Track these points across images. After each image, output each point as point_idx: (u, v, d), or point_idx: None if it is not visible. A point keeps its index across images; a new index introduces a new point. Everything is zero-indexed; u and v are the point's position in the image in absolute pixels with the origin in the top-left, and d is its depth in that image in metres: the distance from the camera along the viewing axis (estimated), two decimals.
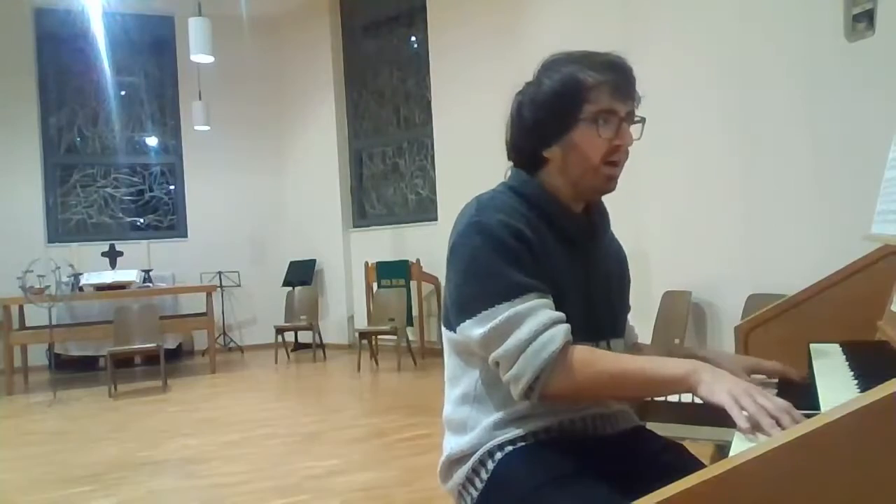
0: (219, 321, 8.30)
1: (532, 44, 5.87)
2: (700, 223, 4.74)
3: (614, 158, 1.27)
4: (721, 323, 4.62)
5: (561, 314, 1.21)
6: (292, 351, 8.25)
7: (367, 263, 7.76)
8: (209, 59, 6.39)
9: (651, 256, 5.02)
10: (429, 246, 7.06)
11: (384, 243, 7.97)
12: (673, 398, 1.48)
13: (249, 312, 8.90)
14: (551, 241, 1.28)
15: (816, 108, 3.96)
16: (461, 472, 1.29)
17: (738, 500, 0.83)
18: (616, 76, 1.25)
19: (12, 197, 7.95)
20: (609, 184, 1.30)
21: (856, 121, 3.70)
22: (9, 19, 7.92)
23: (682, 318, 4.61)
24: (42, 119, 8.27)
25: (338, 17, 8.63)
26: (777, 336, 1.38)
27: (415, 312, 7.30)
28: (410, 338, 7.20)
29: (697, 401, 1.12)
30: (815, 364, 1.30)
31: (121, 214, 8.71)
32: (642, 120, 1.30)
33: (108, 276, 7.37)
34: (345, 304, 8.51)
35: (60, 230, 8.38)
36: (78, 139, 8.57)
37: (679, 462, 1.25)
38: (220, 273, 8.41)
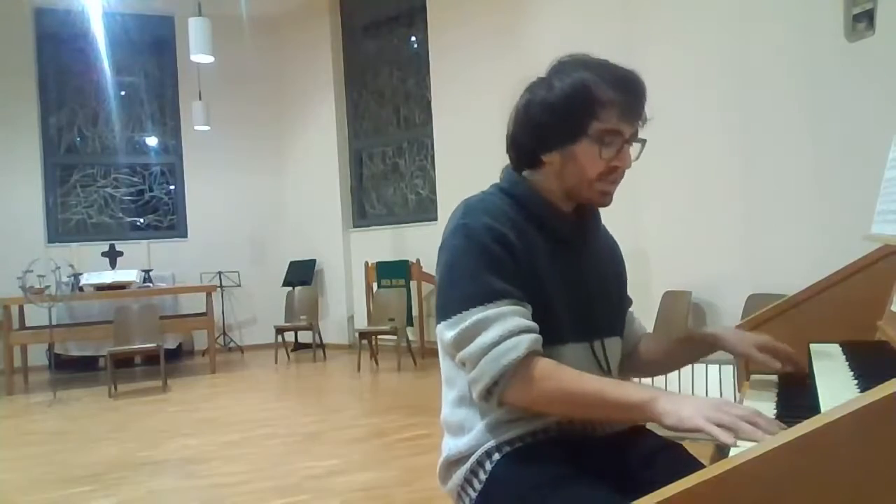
0: (219, 321, 8.30)
1: (532, 44, 5.88)
2: (700, 223, 4.74)
3: (611, 178, 1.27)
4: (721, 323, 4.62)
5: (532, 323, 1.20)
6: (292, 351, 8.25)
7: (367, 263, 7.76)
8: (209, 59, 6.39)
9: (651, 256, 5.02)
10: (429, 246, 7.04)
11: (384, 243, 7.97)
12: None
13: (249, 312, 8.90)
14: (541, 242, 1.27)
15: (816, 108, 3.96)
16: (460, 474, 1.29)
17: (738, 500, 0.83)
18: (628, 97, 1.23)
19: (12, 197, 7.96)
20: (603, 199, 1.30)
21: (856, 121, 3.70)
22: (9, 19, 7.92)
23: (682, 318, 4.61)
24: (42, 119, 8.27)
25: (338, 17, 8.63)
26: (777, 336, 1.38)
27: (415, 312, 7.30)
28: (410, 338, 7.20)
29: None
30: (815, 364, 1.30)
31: (121, 214, 8.71)
32: (643, 142, 1.29)
33: (108, 276, 7.37)
34: (345, 304, 8.51)
35: (60, 230, 8.38)
36: (78, 139, 8.57)
37: (678, 462, 1.25)
38: (220, 273, 8.41)
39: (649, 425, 1.40)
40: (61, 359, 7.41)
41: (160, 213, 8.87)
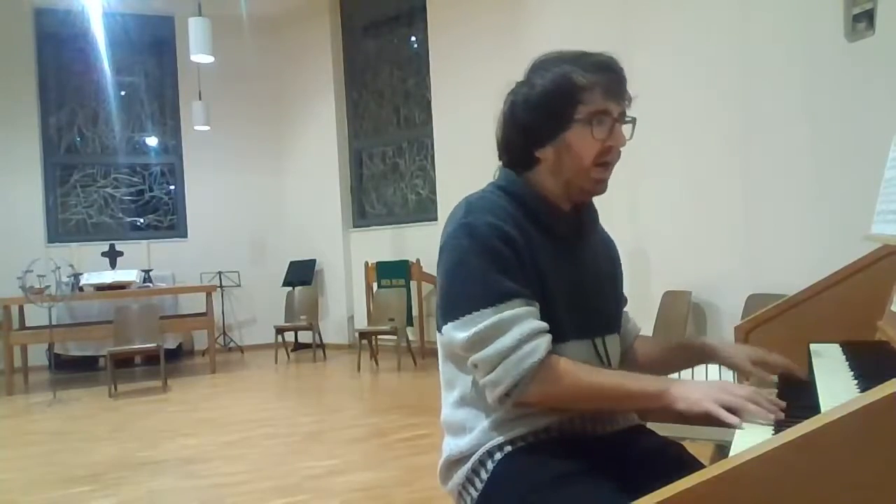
0: (219, 321, 8.30)
1: (532, 44, 5.85)
2: (700, 223, 4.73)
3: (606, 159, 1.27)
4: (721, 323, 4.62)
5: (544, 324, 1.21)
6: (292, 351, 8.25)
7: (367, 263, 7.76)
8: (209, 59, 6.39)
9: (651, 256, 5.02)
10: (429, 246, 7.05)
11: (384, 243, 7.97)
12: None
13: (249, 312, 8.90)
14: (539, 240, 1.28)
15: (816, 108, 3.96)
16: (461, 473, 1.29)
17: (738, 500, 0.83)
18: (608, 77, 1.25)
19: (12, 197, 7.96)
20: (598, 186, 1.30)
21: (856, 121, 3.70)
22: (9, 19, 7.92)
23: (682, 318, 4.61)
24: (42, 119, 8.27)
25: (338, 17, 8.63)
26: (777, 336, 1.38)
27: (415, 312, 7.30)
28: (410, 338, 7.20)
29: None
30: (815, 364, 1.30)
31: (121, 214, 8.71)
32: (633, 120, 1.30)
33: (108, 276, 7.38)
34: (345, 304, 8.51)
35: (60, 230, 8.38)
36: (78, 139, 8.57)
37: (678, 461, 1.25)
38: (220, 273, 8.41)
39: (649, 425, 1.41)
40: (61, 359, 7.41)
41: (160, 213, 8.87)
